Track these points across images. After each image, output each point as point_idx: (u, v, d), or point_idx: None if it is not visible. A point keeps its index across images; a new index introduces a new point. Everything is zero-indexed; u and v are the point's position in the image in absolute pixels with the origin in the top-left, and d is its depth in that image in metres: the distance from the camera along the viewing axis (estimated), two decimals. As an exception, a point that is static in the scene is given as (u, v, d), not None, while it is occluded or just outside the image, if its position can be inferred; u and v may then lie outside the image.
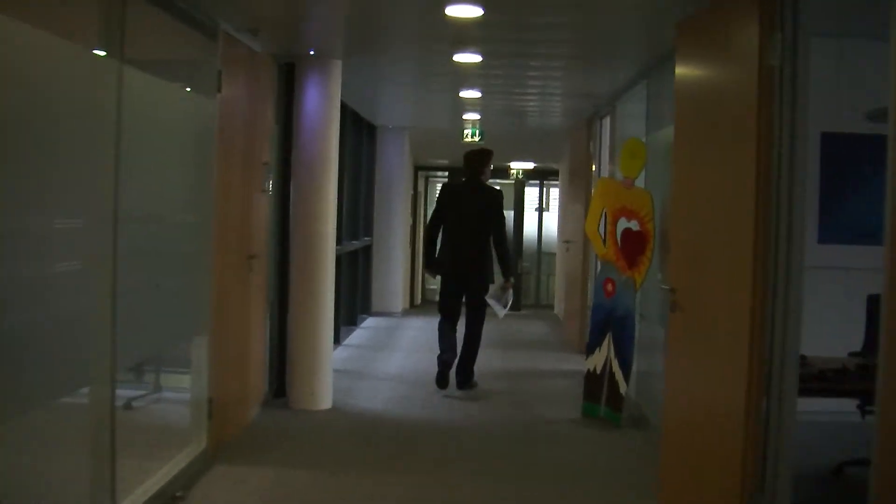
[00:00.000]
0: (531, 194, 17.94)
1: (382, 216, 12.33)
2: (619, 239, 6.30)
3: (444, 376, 7.45)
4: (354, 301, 11.09)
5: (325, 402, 6.82)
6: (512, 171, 16.10)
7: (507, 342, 10.30)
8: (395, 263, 12.45)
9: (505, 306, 7.66)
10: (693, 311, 4.25)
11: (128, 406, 5.97)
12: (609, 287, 6.40)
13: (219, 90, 5.26)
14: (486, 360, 8.89)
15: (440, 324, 7.66)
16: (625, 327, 6.22)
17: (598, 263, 7.05)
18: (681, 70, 4.49)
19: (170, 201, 4.89)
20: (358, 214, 11.08)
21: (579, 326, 9.69)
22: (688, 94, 4.44)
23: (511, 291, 7.73)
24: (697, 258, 4.27)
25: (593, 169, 9.40)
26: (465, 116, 10.60)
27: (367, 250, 12.00)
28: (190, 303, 5.13)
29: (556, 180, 16.72)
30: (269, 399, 6.86)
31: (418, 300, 17.48)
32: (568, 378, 8.23)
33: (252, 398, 6.37)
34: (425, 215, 18.71)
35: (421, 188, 18.18)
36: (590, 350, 6.61)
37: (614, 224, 6.37)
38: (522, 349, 9.84)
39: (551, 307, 17.19)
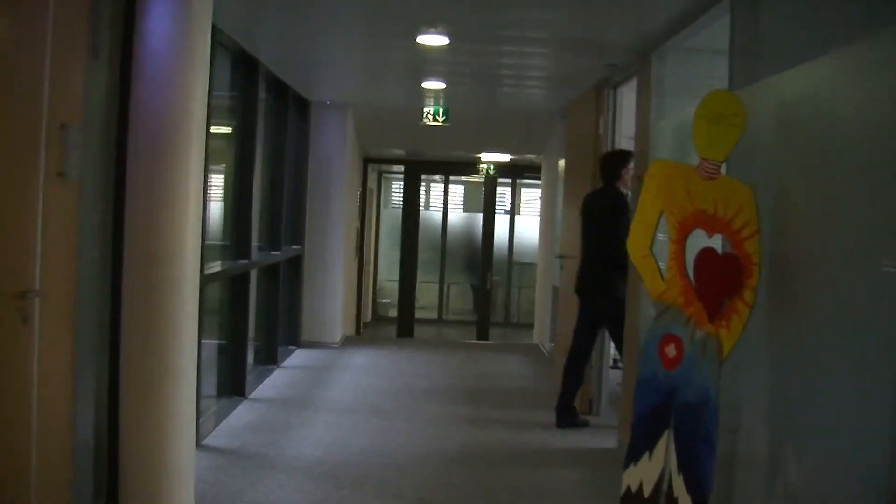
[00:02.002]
0: (502, 195, 15.25)
1: (317, 219, 9.54)
2: (691, 268, 3.61)
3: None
4: (274, 331, 8.30)
5: (183, 530, 4.07)
6: (481, 166, 13.35)
7: (475, 395, 7.56)
8: (334, 280, 9.66)
9: None
10: None
11: None
12: (671, 350, 3.69)
13: None
14: (450, 431, 6.15)
15: None
16: (700, 423, 3.51)
17: (649, 307, 4.37)
18: None
19: None
20: (279, 217, 8.28)
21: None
22: None
23: None
24: None
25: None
26: (424, 85, 7.85)
27: (294, 263, 9.22)
28: None
29: (533, 178, 14.05)
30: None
31: (369, 319, 14.71)
32: (575, 464, 5.53)
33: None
34: (377, 219, 16.01)
35: (373, 185, 15.44)
36: (632, 455, 3.90)
37: (682, 241, 3.66)
38: (499, 408, 7.09)
39: (526, 327, 14.59)
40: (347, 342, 10.08)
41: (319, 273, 9.56)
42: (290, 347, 9.18)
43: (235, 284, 6.79)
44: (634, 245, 3.92)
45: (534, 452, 5.80)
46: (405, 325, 13.63)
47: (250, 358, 7.96)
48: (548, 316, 9.69)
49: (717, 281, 3.47)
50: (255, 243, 7.63)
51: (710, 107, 3.57)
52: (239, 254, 6.81)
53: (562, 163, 9.18)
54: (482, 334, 13.91)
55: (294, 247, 9.14)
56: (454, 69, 7.10)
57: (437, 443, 5.87)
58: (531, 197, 16.46)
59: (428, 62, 6.75)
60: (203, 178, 4.04)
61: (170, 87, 3.94)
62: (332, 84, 8.58)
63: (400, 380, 8.00)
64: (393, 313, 15.20)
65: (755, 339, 3.48)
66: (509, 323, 16.02)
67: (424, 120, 8.90)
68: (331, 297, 9.66)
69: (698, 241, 3.61)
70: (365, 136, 11.04)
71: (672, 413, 3.68)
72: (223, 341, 6.86)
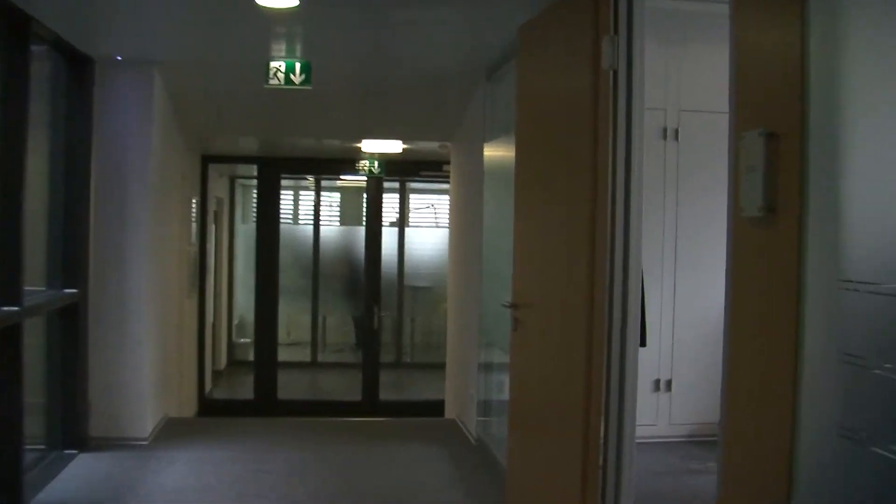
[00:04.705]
0: (389, 202, 11.90)
1: (108, 245, 6.04)
2: None
3: None
4: (16, 440, 4.74)
5: None
6: (363, 163, 9.94)
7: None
8: (136, 336, 6.13)
9: None
10: None
11: None
12: None
13: None
14: None
15: None
16: None
17: None
18: None
19: None
20: (16, 245, 4.74)
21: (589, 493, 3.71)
22: None
23: None
24: None
25: (614, 129, 3.48)
26: (262, 1, 4.46)
27: (66, 317, 5.70)
28: None
29: (431, 178, 10.80)
30: None
31: (223, 367, 11.07)
32: None
33: None
34: (231, 238, 12.47)
35: (223, 194, 11.90)
36: None
37: None
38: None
39: (422, 368, 11.53)
40: (167, 432, 6.52)
41: (114, 328, 6.06)
42: (69, 452, 5.67)
43: None
44: None
45: None
46: (264, 385, 10.14)
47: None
48: (473, 383, 6.44)
49: None
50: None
51: None
52: None
53: (488, 151, 5.98)
54: (371, 390, 10.54)
55: (64, 291, 5.63)
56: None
57: None
58: (423, 203, 13.31)
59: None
60: None
61: None
62: (116, 18, 5.10)
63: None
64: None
65: None
66: (402, 363, 12.74)
67: (272, 81, 5.53)
68: (133, 365, 6.14)
69: None
70: (195, 120, 7.57)
71: None
72: None
